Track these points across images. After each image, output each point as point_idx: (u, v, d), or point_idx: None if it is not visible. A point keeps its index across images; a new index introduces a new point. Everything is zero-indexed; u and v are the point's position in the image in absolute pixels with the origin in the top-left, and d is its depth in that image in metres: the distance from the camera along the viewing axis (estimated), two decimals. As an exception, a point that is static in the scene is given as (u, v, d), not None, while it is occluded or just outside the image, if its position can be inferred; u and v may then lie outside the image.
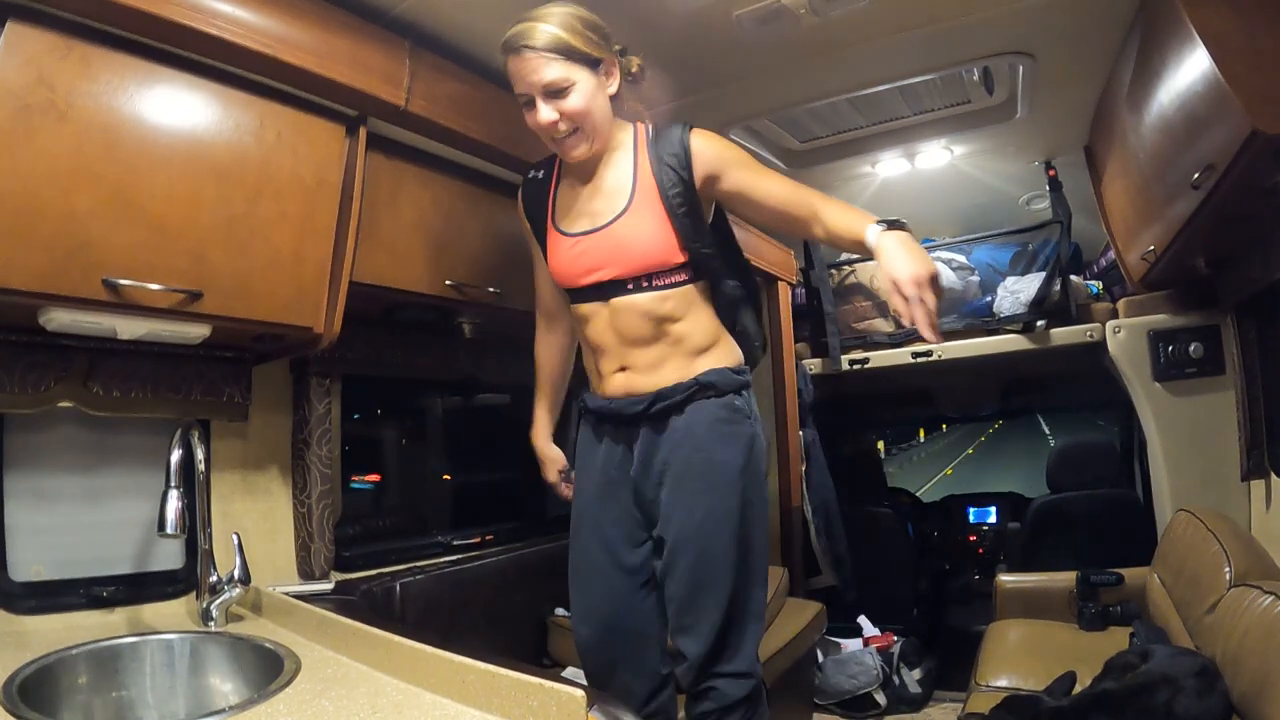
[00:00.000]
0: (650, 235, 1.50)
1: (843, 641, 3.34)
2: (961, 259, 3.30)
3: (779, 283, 3.42)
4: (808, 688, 2.94)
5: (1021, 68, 2.26)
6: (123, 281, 1.29)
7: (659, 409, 1.53)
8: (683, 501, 1.51)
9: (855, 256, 3.56)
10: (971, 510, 4.39)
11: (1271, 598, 1.61)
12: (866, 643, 3.36)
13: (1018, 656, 2.48)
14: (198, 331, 1.48)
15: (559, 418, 1.89)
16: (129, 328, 1.39)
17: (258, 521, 1.86)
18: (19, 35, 1.19)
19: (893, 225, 1.40)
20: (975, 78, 2.43)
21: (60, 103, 1.23)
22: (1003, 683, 2.31)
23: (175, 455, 1.46)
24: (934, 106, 2.62)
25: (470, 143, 1.86)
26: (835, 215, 1.51)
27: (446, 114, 1.77)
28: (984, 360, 3.17)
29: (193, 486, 1.58)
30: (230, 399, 1.76)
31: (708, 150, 1.51)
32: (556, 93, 1.45)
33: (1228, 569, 1.89)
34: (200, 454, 1.58)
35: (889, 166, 3.03)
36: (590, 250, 1.54)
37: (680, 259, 1.51)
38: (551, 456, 1.86)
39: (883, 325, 3.46)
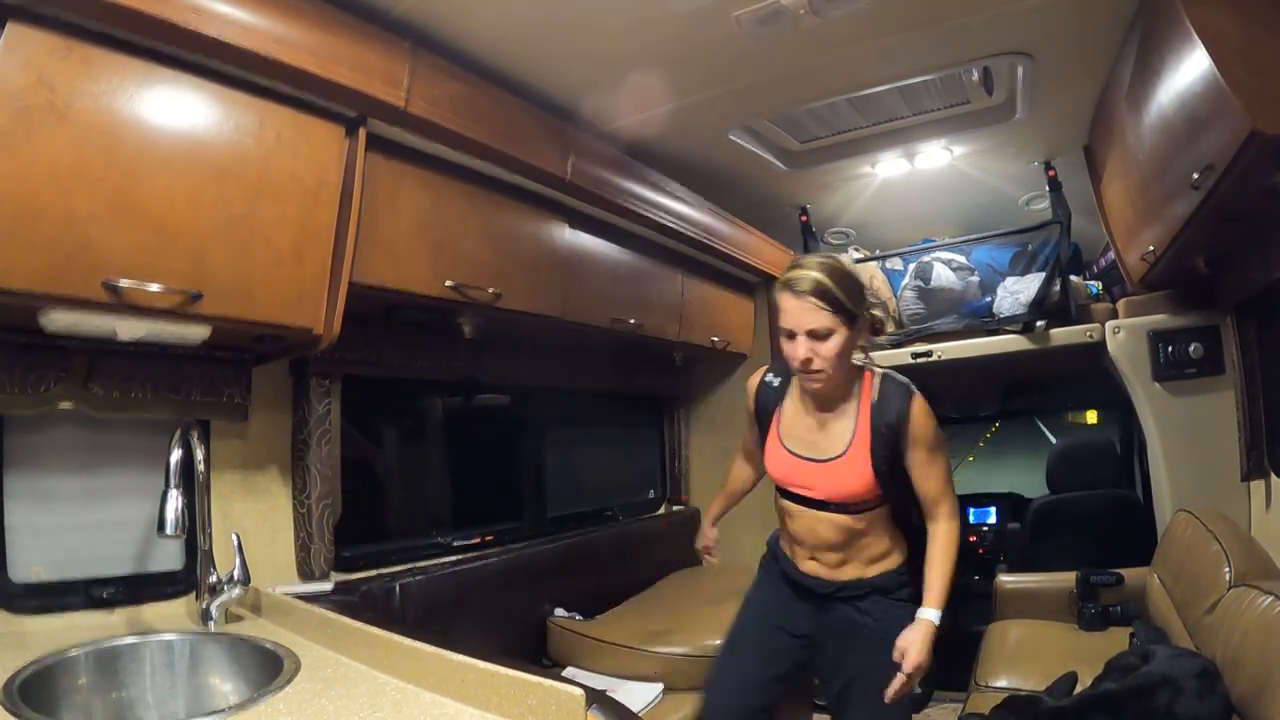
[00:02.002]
0: (856, 481, 1.76)
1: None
2: (961, 259, 3.29)
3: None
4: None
5: (1021, 68, 2.26)
6: (123, 282, 1.29)
7: (841, 596, 1.85)
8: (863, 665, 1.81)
9: (857, 256, 3.56)
10: (971, 510, 4.38)
11: (1271, 598, 1.61)
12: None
13: (1017, 657, 2.48)
14: (198, 332, 1.48)
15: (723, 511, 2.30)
16: (129, 329, 1.39)
17: (257, 522, 1.86)
18: (19, 36, 1.19)
19: (932, 613, 1.71)
20: (975, 78, 2.43)
21: (60, 104, 1.23)
22: (1002, 683, 2.31)
23: (175, 456, 1.46)
24: (934, 107, 2.62)
25: (470, 143, 1.86)
26: (936, 556, 1.77)
27: (446, 115, 1.77)
28: (984, 360, 3.17)
29: (192, 487, 1.59)
30: (230, 399, 1.76)
31: (917, 427, 1.75)
32: (818, 336, 1.68)
33: (1227, 569, 1.89)
34: (200, 454, 1.59)
35: (889, 167, 3.03)
36: (804, 472, 1.82)
37: (875, 496, 1.78)
38: (711, 535, 2.28)
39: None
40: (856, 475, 1.76)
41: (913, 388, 1.79)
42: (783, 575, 1.94)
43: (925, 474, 1.76)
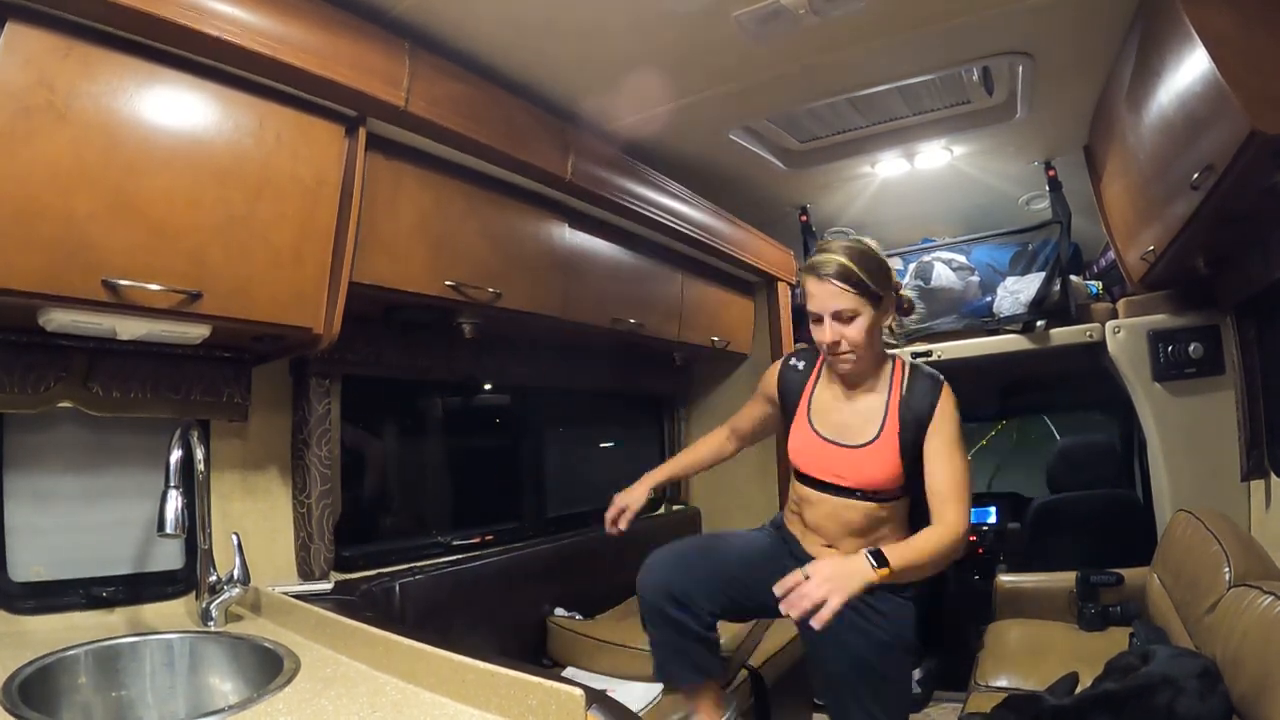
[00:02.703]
0: (886, 468, 1.75)
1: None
2: (961, 259, 3.29)
3: (779, 283, 3.43)
4: (807, 688, 2.93)
5: (1021, 68, 2.26)
6: (122, 282, 1.29)
7: None
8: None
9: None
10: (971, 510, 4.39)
11: (1271, 598, 1.61)
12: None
13: (1017, 657, 2.48)
14: (197, 332, 1.48)
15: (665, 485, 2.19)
16: (129, 328, 1.39)
17: (257, 522, 1.86)
18: (19, 36, 1.19)
19: (880, 563, 1.49)
20: (975, 78, 2.43)
21: (60, 104, 1.23)
22: (1002, 683, 2.31)
23: (175, 455, 1.46)
24: (933, 106, 2.62)
25: (470, 143, 1.86)
26: (922, 535, 1.64)
27: (446, 114, 1.77)
28: (984, 360, 3.17)
29: (192, 487, 1.59)
30: (230, 399, 1.76)
31: (943, 416, 1.73)
32: (844, 318, 1.69)
33: (1227, 569, 1.89)
34: (200, 454, 1.59)
35: (889, 166, 3.03)
36: (834, 458, 1.79)
37: (899, 486, 1.76)
38: (637, 495, 2.05)
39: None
40: (885, 462, 1.74)
41: (942, 379, 1.79)
42: (791, 554, 1.87)
43: (938, 466, 1.70)
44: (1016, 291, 3.08)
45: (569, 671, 2.30)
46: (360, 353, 2.02)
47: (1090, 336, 2.89)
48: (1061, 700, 1.89)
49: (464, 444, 2.77)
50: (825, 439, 1.81)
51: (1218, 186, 1.64)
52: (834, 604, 1.39)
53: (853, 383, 1.81)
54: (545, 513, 2.88)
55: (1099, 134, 2.59)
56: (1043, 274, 3.02)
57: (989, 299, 3.18)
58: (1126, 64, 2.06)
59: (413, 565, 2.17)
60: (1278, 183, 1.57)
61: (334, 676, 1.25)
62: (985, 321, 3.15)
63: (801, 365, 1.93)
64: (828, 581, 1.42)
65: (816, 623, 1.39)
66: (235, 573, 1.61)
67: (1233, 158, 1.52)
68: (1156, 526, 2.67)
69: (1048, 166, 2.99)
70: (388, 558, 2.17)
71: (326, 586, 1.87)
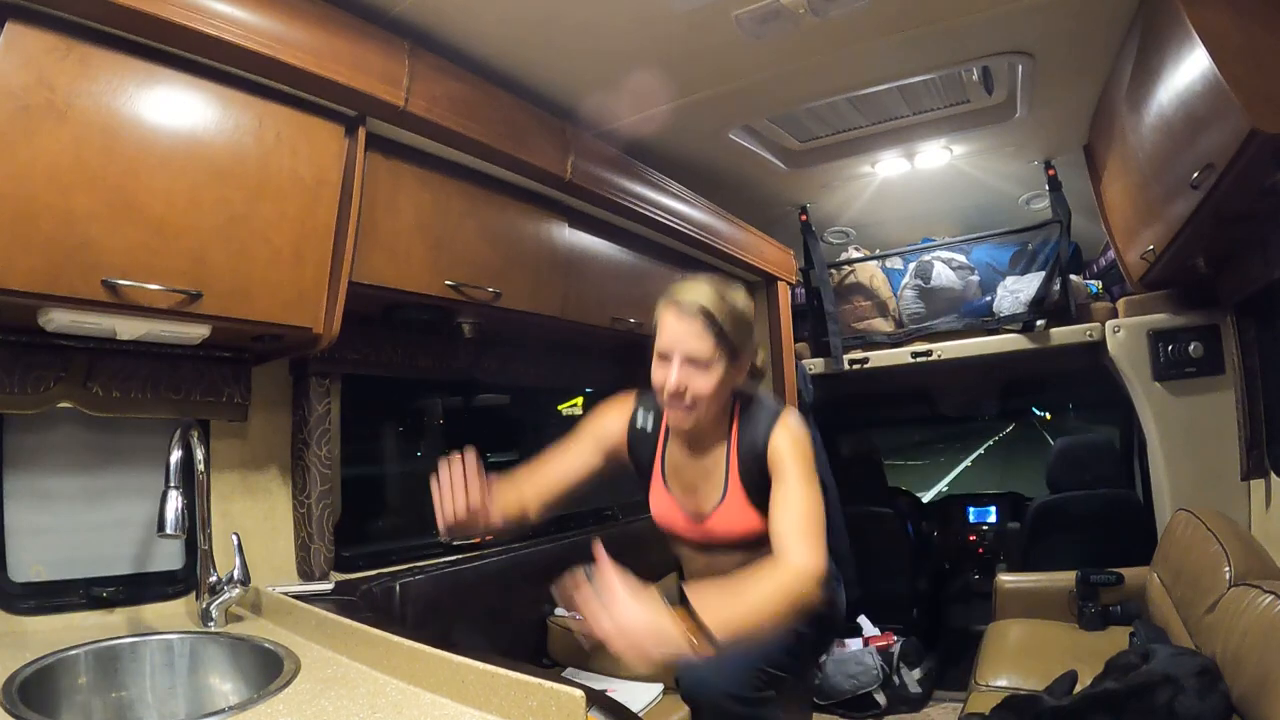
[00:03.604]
0: (746, 522, 1.61)
1: (843, 641, 3.34)
2: (961, 258, 3.30)
3: (779, 283, 3.43)
4: (808, 688, 2.94)
5: (1021, 67, 2.27)
6: (122, 282, 1.29)
7: None
8: None
9: (856, 256, 3.56)
10: (971, 510, 4.38)
11: (1271, 597, 1.62)
12: (867, 642, 3.36)
13: (1017, 656, 2.48)
14: (197, 332, 1.48)
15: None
16: (128, 328, 1.39)
17: (257, 522, 1.86)
18: (18, 36, 1.19)
19: (701, 631, 1.18)
20: (974, 77, 2.43)
21: (60, 103, 1.23)
22: (1002, 682, 2.31)
23: (175, 455, 1.46)
24: (933, 106, 2.63)
25: (470, 143, 1.86)
26: (752, 583, 1.32)
27: (446, 114, 1.77)
28: (983, 360, 3.17)
29: (192, 487, 1.59)
30: (230, 399, 1.76)
31: (779, 449, 1.55)
32: (696, 364, 1.51)
33: (1227, 569, 1.89)
34: (200, 454, 1.59)
35: (888, 166, 3.03)
36: (694, 521, 1.68)
37: (764, 527, 1.55)
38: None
39: (882, 325, 3.46)
40: (742, 517, 1.61)
41: (782, 410, 1.62)
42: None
43: (778, 504, 1.49)
44: (1016, 291, 3.09)
45: (569, 672, 2.30)
46: (360, 352, 2.02)
47: (1090, 336, 2.89)
48: (1061, 700, 1.89)
49: (464, 444, 2.75)
50: (682, 509, 1.69)
51: (1218, 186, 1.64)
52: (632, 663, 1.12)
53: (694, 437, 1.66)
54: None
55: (1099, 133, 2.60)
56: (1042, 273, 3.02)
57: (989, 298, 3.18)
58: (1126, 63, 2.06)
59: (413, 565, 2.17)
60: (1278, 182, 1.57)
61: (334, 677, 1.25)
62: (985, 321, 3.16)
63: (650, 425, 1.74)
64: (624, 640, 1.12)
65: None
66: (235, 573, 1.61)
67: (1233, 157, 1.52)
68: (1156, 526, 2.67)
69: (1047, 166, 2.99)
70: (388, 558, 2.16)
71: (327, 587, 1.87)
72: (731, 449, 1.63)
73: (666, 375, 1.52)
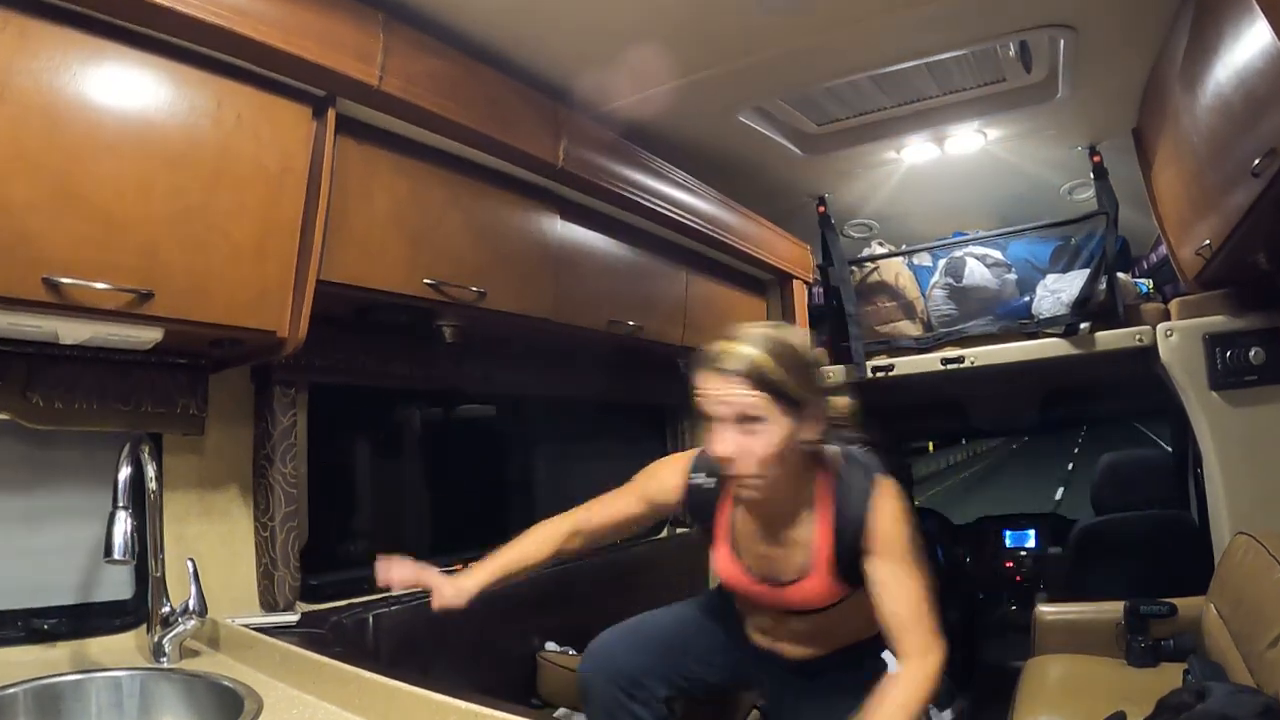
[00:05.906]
0: (825, 595, 1.64)
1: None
2: (997, 255, 3.29)
3: (794, 281, 3.43)
4: None
5: (1062, 41, 2.27)
6: (65, 280, 1.29)
7: (805, 671, 1.78)
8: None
9: (879, 252, 3.56)
10: (1008, 533, 4.38)
11: (1343, 631, 1.61)
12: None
13: (1059, 696, 2.47)
14: (148, 335, 1.48)
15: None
16: (72, 331, 1.39)
17: (215, 546, 1.86)
18: (-50, 8, 1.19)
19: None
20: (1011, 53, 2.43)
21: (-4, 82, 1.23)
22: (1043, 725, 2.30)
23: (124, 473, 1.46)
24: (966, 85, 2.63)
25: (451, 125, 1.86)
26: (889, 701, 1.46)
27: (424, 94, 1.77)
28: (1021, 367, 3.16)
29: (143, 507, 1.58)
30: (185, 410, 1.76)
31: (880, 528, 1.54)
32: (744, 423, 1.47)
33: (1294, 599, 1.88)
34: (151, 471, 1.58)
35: (916, 152, 3.03)
36: (766, 592, 1.69)
37: (846, 594, 1.64)
38: (448, 594, 1.68)
39: (909, 328, 3.45)
40: (826, 593, 1.63)
41: (877, 472, 1.61)
42: (735, 612, 1.86)
43: (887, 594, 1.50)
44: (1058, 291, 3.08)
45: (561, 713, 2.29)
46: (329, 359, 2.02)
47: (1140, 340, 2.88)
48: (1109, 745, 1.88)
49: (445, 460, 2.76)
50: (752, 575, 1.71)
51: (1281, 173, 1.64)
52: None
53: (768, 508, 1.63)
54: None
55: (1149, 115, 2.60)
56: (1087, 271, 3.02)
57: (1027, 299, 3.18)
58: (1180, 37, 2.06)
59: (387, 595, 2.17)
60: (1348, 169, 1.57)
61: (300, 718, 1.25)
62: (1023, 324, 3.15)
63: (711, 482, 1.72)
64: None
65: None
66: (190, 603, 1.61)
67: (1298, 142, 1.52)
68: (1213, 551, 2.66)
69: (1092, 152, 2.99)
70: (360, 586, 2.16)
71: (292, 618, 1.87)
72: (819, 527, 1.61)
73: (717, 445, 1.50)
